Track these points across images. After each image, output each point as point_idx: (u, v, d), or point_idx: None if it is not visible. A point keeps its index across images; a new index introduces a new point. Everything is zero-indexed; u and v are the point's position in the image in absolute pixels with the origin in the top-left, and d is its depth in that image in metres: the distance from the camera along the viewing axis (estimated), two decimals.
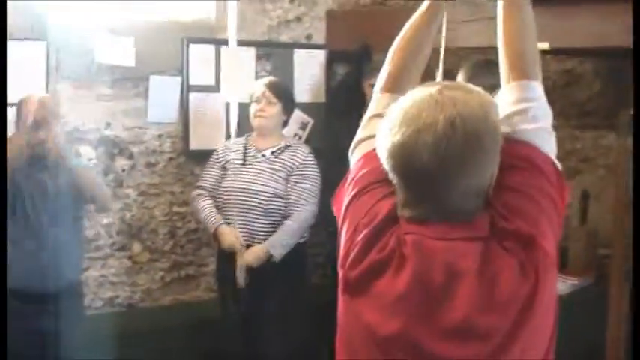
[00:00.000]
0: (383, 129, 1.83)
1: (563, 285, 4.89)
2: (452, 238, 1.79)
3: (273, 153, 4.80)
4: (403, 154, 1.76)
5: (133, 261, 5.60)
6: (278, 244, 4.62)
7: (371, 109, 2.22)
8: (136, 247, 5.59)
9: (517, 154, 1.90)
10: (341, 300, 1.98)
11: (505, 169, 1.86)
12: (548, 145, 2.02)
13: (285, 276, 4.71)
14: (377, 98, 2.24)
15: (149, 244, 5.63)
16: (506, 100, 2.03)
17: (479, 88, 1.88)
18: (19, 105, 4.25)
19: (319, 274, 5.96)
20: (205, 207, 4.84)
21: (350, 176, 2.12)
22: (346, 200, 2.05)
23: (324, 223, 5.55)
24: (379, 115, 2.04)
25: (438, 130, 1.70)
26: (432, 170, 1.73)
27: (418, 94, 1.81)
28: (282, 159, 4.78)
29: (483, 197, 1.83)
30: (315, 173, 4.84)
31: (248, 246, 4.65)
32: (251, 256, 4.60)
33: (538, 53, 2.13)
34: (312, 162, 4.85)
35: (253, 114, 4.79)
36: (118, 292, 5.57)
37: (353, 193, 2.03)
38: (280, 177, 4.73)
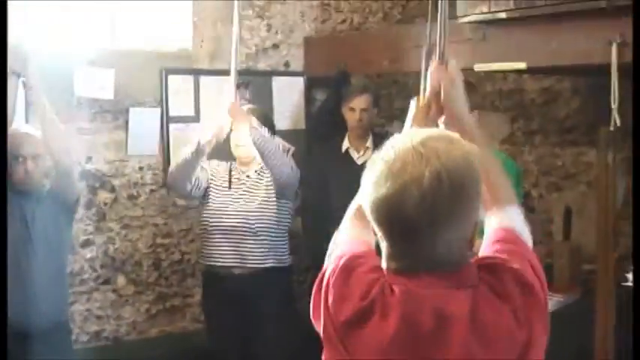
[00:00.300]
0: (367, 183, 1.81)
1: (549, 302, 4.89)
2: (440, 287, 1.78)
3: (256, 172, 4.77)
4: (389, 208, 1.75)
5: (118, 294, 5.57)
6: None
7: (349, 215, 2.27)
8: (121, 280, 5.56)
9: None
10: (326, 352, 1.96)
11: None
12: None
13: (273, 304, 4.67)
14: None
15: (133, 276, 5.60)
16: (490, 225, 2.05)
17: (458, 137, 1.87)
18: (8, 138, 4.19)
19: (306, 301, 5.91)
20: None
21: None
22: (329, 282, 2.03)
23: (309, 248, 5.57)
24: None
25: (424, 183, 1.69)
26: (419, 223, 1.72)
27: (400, 146, 1.79)
28: (267, 174, 4.73)
29: (468, 246, 1.84)
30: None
31: (236, 267, 4.64)
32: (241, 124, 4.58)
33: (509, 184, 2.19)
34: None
35: (232, 143, 4.74)
36: (103, 326, 5.53)
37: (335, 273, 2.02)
38: (268, 194, 4.69)
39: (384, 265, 1.86)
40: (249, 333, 4.67)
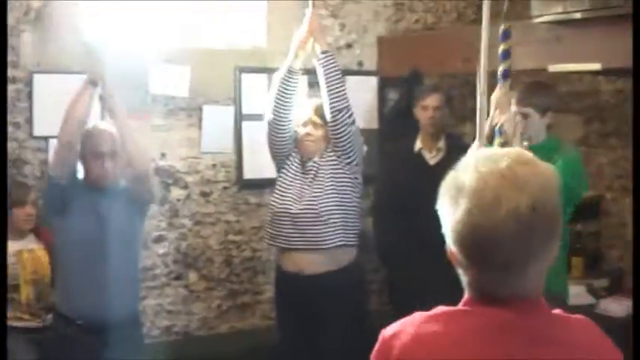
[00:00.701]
0: (451, 210, 1.75)
1: (618, 307, 4.82)
2: (532, 314, 1.74)
3: (323, 157, 4.69)
4: (484, 240, 1.67)
5: (189, 290, 5.61)
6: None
7: None
8: (192, 276, 5.61)
9: None
10: None
11: None
12: None
13: (345, 302, 4.64)
14: None
15: (205, 272, 5.64)
16: None
17: (539, 160, 1.81)
18: (84, 135, 4.23)
19: (374, 301, 5.91)
20: None
21: None
22: None
23: (378, 248, 5.54)
24: None
25: (521, 216, 1.64)
26: (516, 255, 1.66)
27: (485, 170, 1.70)
28: (332, 159, 4.64)
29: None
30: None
31: (302, 250, 4.57)
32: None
33: None
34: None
35: (299, 138, 4.73)
36: (174, 321, 5.58)
37: None
38: (337, 177, 4.65)
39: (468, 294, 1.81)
40: (318, 330, 4.65)
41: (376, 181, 5.39)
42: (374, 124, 6.07)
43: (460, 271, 1.78)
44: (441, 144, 5.31)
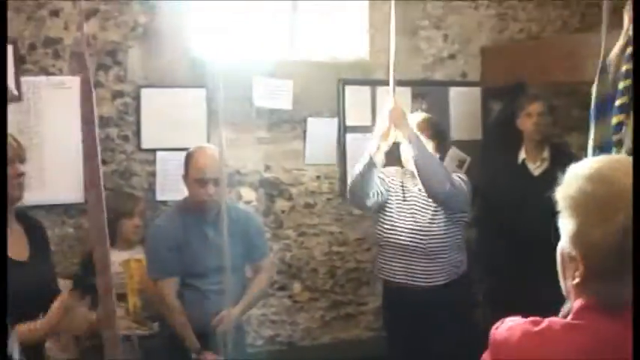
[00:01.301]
0: (575, 220, 1.74)
1: None
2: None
3: None
4: (609, 247, 1.68)
5: (294, 300, 5.63)
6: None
7: None
8: (296, 286, 5.63)
9: None
10: None
11: None
12: None
13: (452, 313, 4.57)
14: None
15: (309, 283, 5.65)
16: None
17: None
18: (188, 156, 4.27)
19: (479, 311, 5.81)
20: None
21: None
22: None
23: (483, 259, 5.46)
24: None
25: (631, 223, 1.64)
26: (628, 264, 1.67)
27: (603, 179, 1.73)
28: None
29: None
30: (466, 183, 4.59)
31: (408, 285, 4.56)
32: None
33: None
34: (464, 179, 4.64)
35: (403, 156, 4.64)
36: (278, 331, 5.61)
37: None
38: (437, 210, 4.58)
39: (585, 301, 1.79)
40: (425, 344, 4.59)
41: (480, 193, 5.31)
42: (477, 135, 5.99)
43: (571, 280, 1.78)
44: (546, 154, 5.21)
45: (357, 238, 5.74)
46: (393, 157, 4.57)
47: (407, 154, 4.40)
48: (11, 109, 4.55)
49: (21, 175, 3.18)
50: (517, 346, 1.78)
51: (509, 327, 1.85)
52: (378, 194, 4.54)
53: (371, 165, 4.37)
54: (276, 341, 5.60)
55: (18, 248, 3.21)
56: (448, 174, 4.40)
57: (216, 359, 4.13)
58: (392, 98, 4.37)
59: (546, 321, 1.79)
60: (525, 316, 1.91)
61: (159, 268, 4.28)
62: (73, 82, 4.90)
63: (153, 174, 5.17)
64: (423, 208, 4.53)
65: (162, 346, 4.44)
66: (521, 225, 4.96)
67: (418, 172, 4.30)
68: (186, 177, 4.27)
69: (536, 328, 1.78)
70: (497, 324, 1.91)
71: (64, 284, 4.60)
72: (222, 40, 5.16)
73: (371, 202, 4.54)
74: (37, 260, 3.30)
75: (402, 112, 4.33)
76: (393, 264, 4.57)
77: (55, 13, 4.95)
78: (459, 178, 4.52)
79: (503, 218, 5.16)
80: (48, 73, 4.89)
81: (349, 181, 4.66)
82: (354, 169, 4.57)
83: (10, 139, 3.21)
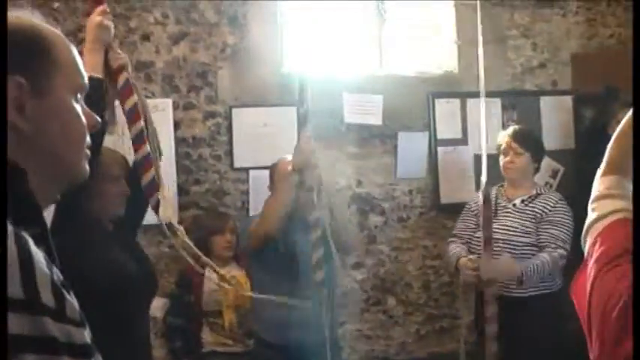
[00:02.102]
0: None
1: None
2: None
3: (523, 201, 4.60)
4: None
5: (388, 315, 5.57)
6: (527, 265, 4.39)
7: (596, 191, 2.07)
8: (391, 301, 5.57)
9: None
10: None
11: None
12: None
13: (549, 325, 4.49)
14: (601, 181, 2.07)
15: (403, 298, 5.59)
16: None
17: None
18: (272, 168, 4.34)
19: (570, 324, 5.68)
20: (455, 248, 4.71)
21: (588, 261, 1.95)
22: (588, 286, 1.88)
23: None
24: (608, 196, 1.92)
25: None
26: None
27: None
28: (533, 207, 4.57)
29: None
30: (567, 219, 4.54)
31: (504, 295, 4.48)
32: (503, 264, 4.40)
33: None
34: (563, 208, 4.57)
35: (503, 166, 4.65)
36: (373, 346, 5.55)
37: (593, 275, 1.87)
38: (531, 225, 4.53)
39: None
40: (520, 354, 4.51)
41: (575, 203, 5.18)
42: (570, 144, 5.85)
43: None
44: None
45: None
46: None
47: None
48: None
49: (125, 193, 3.18)
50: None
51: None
52: None
53: None
54: (372, 356, 5.54)
55: None
56: None
57: None
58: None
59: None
60: None
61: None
62: (166, 105, 4.95)
63: (246, 192, 5.18)
64: (514, 220, 4.50)
65: None
66: None
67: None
68: (271, 187, 4.32)
69: None
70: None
71: (160, 302, 4.67)
72: (310, 57, 5.16)
73: None
74: None
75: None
76: None
77: (145, 38, 5.00)
78: None
79: None
80: None
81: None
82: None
83: (119, 156, 3.26)
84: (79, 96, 1.39)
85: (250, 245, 4.28)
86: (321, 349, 4.11)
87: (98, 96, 2.86)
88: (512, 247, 4.48)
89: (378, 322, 5.56)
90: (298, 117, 5.05)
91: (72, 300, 1.18)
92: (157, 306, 4.61)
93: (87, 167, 1.40)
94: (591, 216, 2.00)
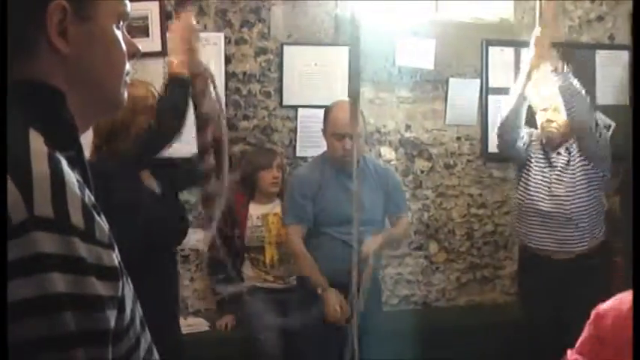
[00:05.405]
0: None
1: None
2: None
3: (567, 149, 4.32)
4: None
5: (430, 261, 5.44)
6: None
7: None
8: (433, 247, 5.43)
9: None
10: None
11: None
12: None
13: (591, 282, 4.31)
14: None
15: (446, 244, 5.44)
16: None
17: None
18: (327, 111, 4.21)
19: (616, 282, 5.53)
20: None
21: None
22: None
23: (626, 229, 5.15)
24: None
25: None
26: None
27: None
28: (577, 153, 4.28)
29: None
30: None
31: (549, 251, 4.32)
32: None
33: None
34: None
35: (542, 124, 4.34)
36: (414, 291, 5.42)
37: None
38: (580, 175, 4.34)
39: None
40: (561, 311, 4.35)
41: (626, 159, 5.00)
42: (624, 101, 5.61)
43: None
44: None
45: (496, 201, 5.47)
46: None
47: (549, 89, 4.18)
48: (159, 62, 4.57)
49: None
50: (617, 320, 1.62)
51: (615, 299, 1.69)
52: (525, 139, 4.37)
53: (522, 99, 4.21)
54: (411, 301, 5.41)
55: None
56: (593, 116, 4.26)
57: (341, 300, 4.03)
58: (537, 30, 4.19)
59: None
60: None
61: (290, 214, 4.24)
62: (218, 39, 4.86)
63: (294, 130, 5.06)
64: (564, 173, 4.30)
65: (297, 299, 4.36)
66: None
67: (565, 102, 4.09)
68: (325, 131, 4.19)
69: None
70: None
71: (204, 235, 4.61)
72: None
73: (521, 142, 4.35)
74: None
75: (548, 40, 4.13)
76: (534, 229, 4.33)
77: None
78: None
79: None
80: None
81: (499, 122, 4.39)
82: (502, 109, 4.41)
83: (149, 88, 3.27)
84: (121, 23, 1.35)
85: None
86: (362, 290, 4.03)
87: (182, 94, 2.92)
88: (563, 197, 4.30)
89: (420, 268, 5.41)
90: (350, 57, 4.95)
91: (102, 222, 1.14)
92: (202, 239, 4.56)
93: (125, 95, 1.37)
94: None
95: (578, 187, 4.25)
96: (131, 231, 2.93)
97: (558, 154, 4.30)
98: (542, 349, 4.21)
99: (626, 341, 1.62)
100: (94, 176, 1.26)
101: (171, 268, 3.50)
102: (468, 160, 5.42)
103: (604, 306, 1.73)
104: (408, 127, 5.28)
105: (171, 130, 3.07)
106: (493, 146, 5.28)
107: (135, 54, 1.40)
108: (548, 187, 4.29)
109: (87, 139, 2.84)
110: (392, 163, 5.21)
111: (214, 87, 2.90)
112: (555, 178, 4.29)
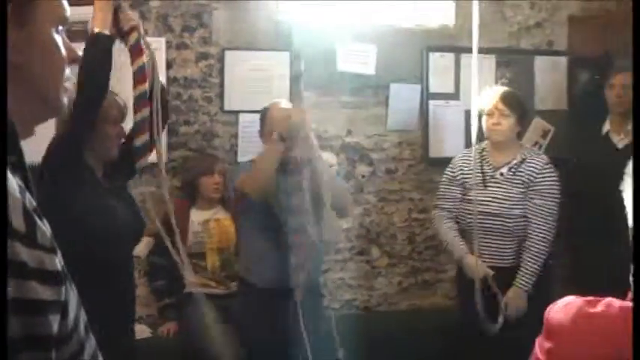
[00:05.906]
0: None
1: None
2: None
3: (510, 169, 4.41)
4: None
5: (372, 265, 5.44)
6: (528, 278, 4.28)
7: None
8: (375, 251, 5.43)
9: None
10: None
11: None
12: None
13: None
14: None
15: (387, 249, 5.45)
16: None
17: None
18: (263, 112, 4.15)
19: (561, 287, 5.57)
20: (448, 232, 4.50)
21: None
22: None
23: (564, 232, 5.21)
24: None
25: None
26: None
27: None
28: (520, 173, 4.35)
29: None
30: (553, 186, 4.33)
31: (495, 269, 4.35)
32: (516, 301, 4.29)
33: None
34: (549, 174, 4.34)
35: (487, 127, 4.42)
36: (355, 295, 5.42)
37: None
38: (520, 194, 4.37)
39: None
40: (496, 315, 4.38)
41: (566, 163, 5.05)
42: (562, 105, 5.68)
43: None
44: (631, 127, 4.92)
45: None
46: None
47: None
48: None
49: (122, 135, 3.21)
50: (571, 327, 1.61)
51: (564, 306, 1.68)
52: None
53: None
54: (353, 305, 5.41)
55: None
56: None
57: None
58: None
59: (604, 301, 1.61)
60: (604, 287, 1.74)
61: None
62: (159, 44, 4.80)
63: (235, 136, 5.01)
64: (504, 191, 4.34)
65: (239, 304, 4.33)
66: (604, 197, 4.70)
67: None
68: (261, 132, 4.15)
69: (592, 310, 1.60)
70: (552, 305, 1.74)
71: (143, 242, 4.56)
72: (306, 3, 5.00)
73: None
74: None
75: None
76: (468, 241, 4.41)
77: None
78: None
79: (587, 190, 4.91)
80: None
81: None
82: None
83: (116, 99, 3.24)
84: (60, 28, 1.33)
85: (235, 199, 4.21)
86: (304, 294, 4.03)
87: (106, 53, 2.89)
88: (502, 219, 4.34)
89: (362, 272, 5.41)
90: (291, 62, 4.93)
91: (43, 226, 1.13)
92: (141, 245, 4.51)
93: (65, 101, 1.36)
94: None
95: (518, 204, 4.34)
96: (91, 230, 2.97)
97: (501, 174, 4.38)
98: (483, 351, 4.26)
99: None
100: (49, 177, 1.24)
101: (130, 268, 3.48)
102: (410, 165, 5.43)
103: (554, 312, 1.72)
104: (349, 132, 5.28)
105: (96, 86, 2.95)
106: (434, 151, 5.35)
107: (75, 59, 1.39)
108: (488, 205, 4.36)
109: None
110: (333, 167, 5.19)
111: (144, 38, 3.01)
112: (494, 196, 4.38)
